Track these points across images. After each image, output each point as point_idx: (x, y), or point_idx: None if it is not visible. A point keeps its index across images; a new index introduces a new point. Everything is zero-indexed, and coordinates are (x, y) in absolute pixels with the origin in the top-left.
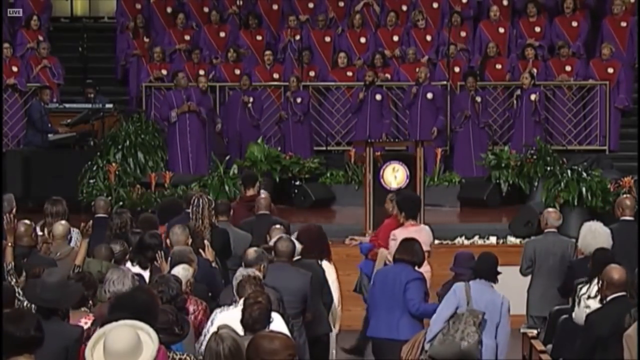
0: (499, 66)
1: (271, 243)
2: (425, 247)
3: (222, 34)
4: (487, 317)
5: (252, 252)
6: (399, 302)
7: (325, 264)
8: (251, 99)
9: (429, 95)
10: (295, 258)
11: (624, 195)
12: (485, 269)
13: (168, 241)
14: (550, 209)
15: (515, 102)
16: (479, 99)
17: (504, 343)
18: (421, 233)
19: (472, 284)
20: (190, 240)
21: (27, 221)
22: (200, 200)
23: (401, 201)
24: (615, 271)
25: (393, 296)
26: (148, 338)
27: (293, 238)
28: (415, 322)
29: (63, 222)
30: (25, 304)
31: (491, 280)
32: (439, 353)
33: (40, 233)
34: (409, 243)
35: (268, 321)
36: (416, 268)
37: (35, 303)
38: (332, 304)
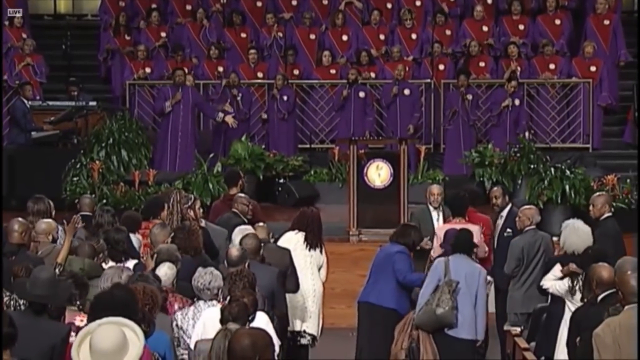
0: (482, 64)
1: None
2: None
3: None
4: (466, 287)
5: (235, 251)
6: (384, 273)
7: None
8: (240, 93)
9: (406, 92)
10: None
11: (598, 194)
12: (462, 243)
13: (148, 240)
14: (529, 206)
15: (503, 108)
16: (470, 96)
17: (482, 310)
18: None
19: (451, 258)
20: (169, 239)
21: (20, 219)
22: (172, 197)
23: (449, 200)
24: (604, 270)
25: (380, 268)
26: (134, 335)
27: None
28: (395, 292)
29: (47, 219)
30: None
31: (468, 254)
32: (421, 322)
33: None
34: (405, 227)
35: (247, 318)
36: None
37: (26, 299)
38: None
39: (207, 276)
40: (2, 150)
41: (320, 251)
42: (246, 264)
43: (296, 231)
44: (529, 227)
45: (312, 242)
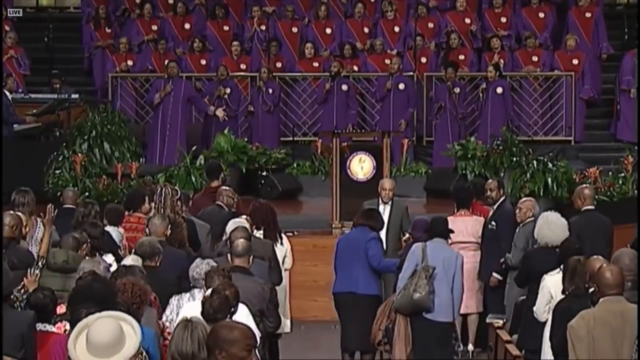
0: (461, 57)
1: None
2: (474, 238)
3: (187, 26)
4: (444, 271)
5: (242, 242)
6: (358, 260)
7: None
8: (228, 90)
9: (401, 86)
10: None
11: (583, 185)
12: (439, 228)
13: (147, 230)
14: (528, 198)
15: (481, 95)
16: (457, 90)
17: (458, 293)
18: (469, 223)
19: (428, 244)
20: (169, 232)
21: (12, 212)
22: (163, 190)
23: (453, 192)
24: (598, 263)
25: (353, 255)
26: (131, 329)
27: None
28: (372, 278)
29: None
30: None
31: (445, 238)
32: (399, 305)
33: None
34: (369, 211)
35: (229, 311)
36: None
37: None
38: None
39: (203, 266)
40: (1, 147)
41: (281, 243)
42: (250, 257)
43: (254, 231)
44: (530, 218)
45: (272, 237)
